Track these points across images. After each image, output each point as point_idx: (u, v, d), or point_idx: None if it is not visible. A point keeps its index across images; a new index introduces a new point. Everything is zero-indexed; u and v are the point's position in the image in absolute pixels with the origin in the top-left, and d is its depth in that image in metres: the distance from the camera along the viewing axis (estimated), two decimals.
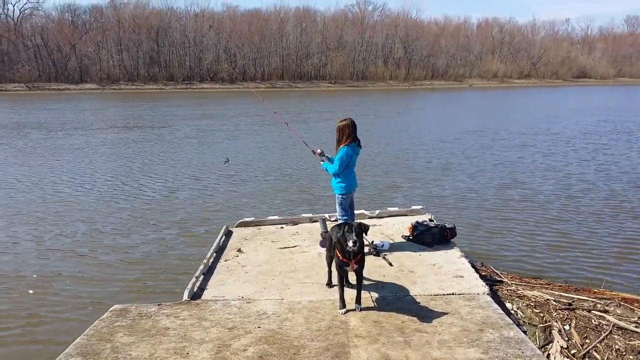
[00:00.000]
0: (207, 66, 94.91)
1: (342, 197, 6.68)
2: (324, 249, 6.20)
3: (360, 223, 5.28)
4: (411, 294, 5.52)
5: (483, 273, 6.95)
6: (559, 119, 31.77)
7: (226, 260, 6.73)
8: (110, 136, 25.78)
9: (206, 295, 5.67)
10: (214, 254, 6.91)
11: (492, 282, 6.52)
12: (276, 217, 8.69)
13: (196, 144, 22.81)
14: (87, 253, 9.01)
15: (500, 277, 6.91)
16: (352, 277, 5.53)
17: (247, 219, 8.55)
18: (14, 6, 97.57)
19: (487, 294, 5.48)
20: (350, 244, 4.98)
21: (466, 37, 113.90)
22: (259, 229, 8.13)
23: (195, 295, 5.64)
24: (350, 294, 5.31)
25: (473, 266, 6.64)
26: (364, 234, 5.27)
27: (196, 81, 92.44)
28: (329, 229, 6.42)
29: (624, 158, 17.46)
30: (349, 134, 6.46)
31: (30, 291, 7.40)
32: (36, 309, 6.83)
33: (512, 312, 5.66)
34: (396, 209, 8.86)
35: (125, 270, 8.11)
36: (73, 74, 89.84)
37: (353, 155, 6.52)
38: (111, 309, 5.32)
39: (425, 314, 5.00)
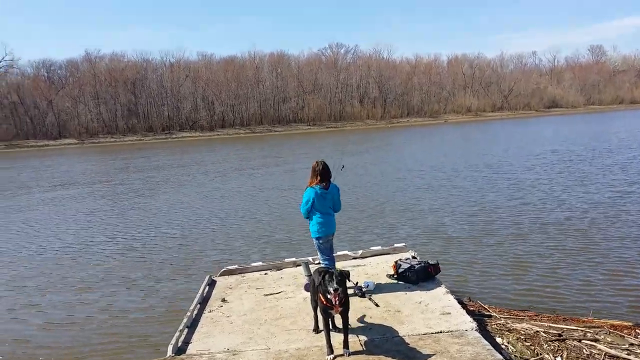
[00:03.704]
0: (186, 115, 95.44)
1: (317, 242, 6.67)
2: (309, 292, 6.14)
3: (341, 271, 5.27)
4: (399, 334, 5.45)
5: (471, 308, 6.92)
6: (532, 149, 32.36)
7: (210, 311, 6.61)
8: (86, 190, 25.54)
9: (191, 349, 5.54)
10: (198, 305, 6.79)
11: (480, 317, 6.49)
12: (260, 263, 8.61)
13: (173, 192, 22.71)
14: (63, 312, 8.77)
15: (489, 311, 6.88)
16: (338, 321, 5.46)
17: (230, 267, 8.45)
18: None
19: (476, 330, 5.44)
20: (331, 291, 4.96)
21: (438, 74, 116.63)
22: (242, 277, 8.03)
23: (180, 350, 5.50)
24: (337, 338, 5.23)
25: (460, 302, 6.62)
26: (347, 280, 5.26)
27: (175, 130, 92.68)
28: (312, 273, 6.38)
29: (601, 186, 17.75)
30: (315, 175, 6.51)
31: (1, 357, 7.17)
32: None
33: (503, 346, 5.61)
34: (379, 247, 8.85)
35: (107, 326, 7.90)
36: (51, 129, 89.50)
37: (319, 197, 6.50)
38: None
39: (414, 355, 4.93)
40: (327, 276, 5.10)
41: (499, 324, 6.24)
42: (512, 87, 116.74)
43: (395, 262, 7.35)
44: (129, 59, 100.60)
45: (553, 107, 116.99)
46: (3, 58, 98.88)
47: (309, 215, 6.60)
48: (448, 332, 5.42)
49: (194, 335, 5.88)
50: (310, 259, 8.11)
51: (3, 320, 8.39)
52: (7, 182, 31.95)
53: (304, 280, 7.08)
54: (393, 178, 21.70)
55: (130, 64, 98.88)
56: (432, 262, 7.22)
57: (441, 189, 18.82)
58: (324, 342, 5.14)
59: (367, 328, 5.68)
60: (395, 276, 7.19)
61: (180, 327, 5.99)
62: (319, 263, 7.02)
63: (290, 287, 7.30)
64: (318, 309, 5.41)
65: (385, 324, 5.74)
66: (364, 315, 6.02)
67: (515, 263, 9.74)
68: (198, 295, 7.08)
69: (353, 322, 5.69)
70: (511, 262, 9.79)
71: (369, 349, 5.16)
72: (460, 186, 19.09)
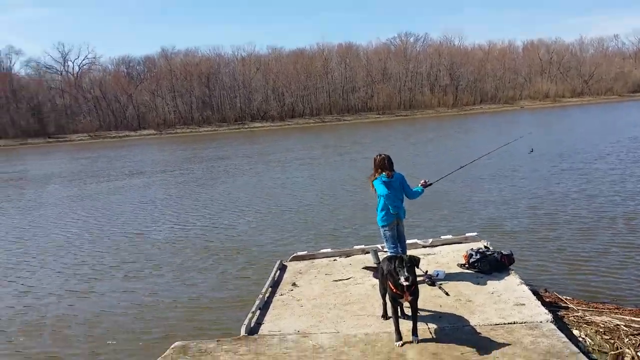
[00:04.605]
0: (257, 106, 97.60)
1: (382, 230, 6.67)
2: (377, 279, 6.15)
3: (411, 256, 5.23)
4: (470, 324, 5.35)
5: (547, 299, 6.69)
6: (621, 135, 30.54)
7: (281, 295, 6.77)
8: (167, 177, 26.70)
9: (263, 330, 5.71)
10: (270, 289, 6.97)
11: (556, 309, 6.26)
12: (329, 250, 8.70)
13: (248, 179, 23.31)
14: (143, 290, 9.30)
15: (566, 302, 6.62)
16: (407, 308, 5.45)
17: (300, 253, 8.60)
18: (73, 62, 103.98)
19: (551, 322, 5.24)
20: (402, 279, 4.93)
21: (512, 60, 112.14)
22: (312, 262, 8.16)
23: (253, 331, 5.68)
24: (406, 325, 5.21)
25: (535, 293, 6.40)
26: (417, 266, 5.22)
27: (247, 121, 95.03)
28: (381, 260, 6.38)
29: None
30: (378, 167, 6.57)
31: (88, 328, 7.70)
32: (96, 347, 7.06)
33: (580, 339, 5.39)
34: (450, 236, 8.68)
35: (183, 307, 8.31)
36: (131, 121, 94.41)
37: (381, 186, 6.47)
38: (172, 346, 5.43)
39: (486, 345, 4.82)
40: (397, 262, 5.07)
41: (577, 316, 5.99)
42: (593, 71, 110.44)
43: (467, 251, 7.21)
44: (202, 54, 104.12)
45: (638, 92, 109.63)
46: (86, 56, 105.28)
47: (390, 207, 6.57)
48: (522, 323, 5.27)
49: (265, 317, 6.05)
50: (379, 246, 8.11)
51: (98, 306, 8.94)
52: (79, 172, 33.97)
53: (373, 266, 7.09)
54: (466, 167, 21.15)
55: (204, 58, 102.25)
56: (506, 253, 7.01)
57: (516, 177, 18.18)
58: (393, 328, 5.14)
59: (436, 316, 5.62)
60: (467, 266, 7.05)
61: (253, 309, 6.18)
62: (387, 251, 7.00)
63: (359, 273, 7.34)
64: (387, 296, 5.41)
65: (455, 313, 5.65)
66: (434, 304, 5.95)
67: (596, 254, 9.28)
68: (269, 279, 7.27)
69: (422, 310, 5.64)
70: (591, 254, 9.34)
71: (438, 337, 5.11)
72: (532, 176, 18.36)
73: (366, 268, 7.31)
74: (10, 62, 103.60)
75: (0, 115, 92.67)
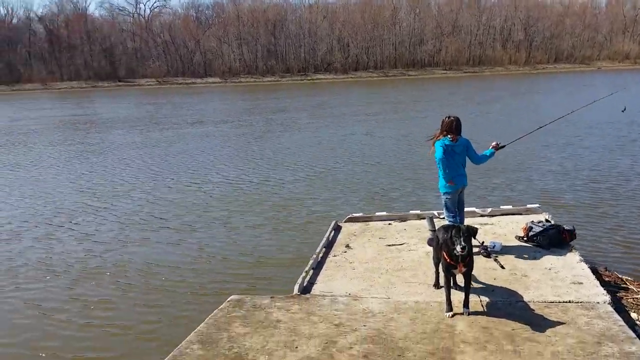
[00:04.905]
0: (321, 57, 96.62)
1: (444, 197, 6.59)
2: (432, 247, 6.14)
3: (468, 226, 5.16)
4: (524, 299, 5.29)
5: (606, 279, 6.50)
6: None
7: (335, 256, 6.90)
8: (226, 128, 27.26)
9: (315, 290, 5.86)
10: (324, 249, 7.10)
11: (615, 289, 6.08)
12: (384, 213, 8.72)
13: (304, 134, 23.47)
14: (197, 243, 9.61)
15: (626, 283, 6.42)
16: (460, 279, 5.44)
17: (355, 215, 8.67)
18: (144, 5, 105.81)
19: (609, 303, 5.10)
20: (458, 248, 4.89)
21: (594, 16, 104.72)
22: (367, 225, 8.22)
23: (305, 290, 5.85)
24: (458, 296, 5.21)
25: (595, 271, 6.23)
26: (474, 237, 5.17)
27: (311, 72, 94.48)
28: (436, 227, 6.35)
29: None
30: (444, 128, 6.43)
31: (145, 277, 8.07)
32: (155, 299, 7.36)
33: (638, 323, 5.24)
34: (510, 207, 8.48)
35: (238, 262, 8.57)
36: (198, 68, 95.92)
37: (446, 150, 6.34)
38: (228, 299, 5.69)
39: (538, 323, 4.77)
40: (454, 231, 5.03)
41: (637, 298, 5.81)
42: None
43: (527, 224, 7.04)
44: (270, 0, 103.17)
45: None
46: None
47: (448, 173, 6.47)
48: (578, 302, 5.16)
49: (318, 277, 6.21)
50: (435, 212, 8.05)
51: (153, 256, 9.41)
52: (143, 118, 35.08)
53: (428, 234, 7.07)
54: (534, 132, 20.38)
55: (272, 5, 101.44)
56: (568, 228, 6.79)
57: (590, 146, 17.37)
58: (444, 298, 5.15)
59: (489, 290, 5.58)
60: (525, 239, 6.90)
61: (307, 268, 6.34)
62: (444, 218, 6.96)
63: (413, 239, 7.34)
64: (440, 265, 5.41)
65: (509, 288, 5.59)
66: (488, 277, 5.90)
67: None
68: (324, 239, 7.40)
69: (475, 282, 5.62)
70: None
71: (489, 311, 5.09)
72: (603, 146, 17.48)
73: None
74: (86, 2, 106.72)
75: (74, 57, 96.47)
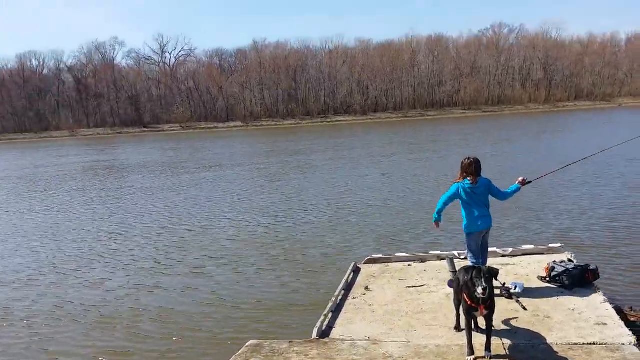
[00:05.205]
0: (341, 99, 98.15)
1: (467, 238, 6.54)
2: (452, 289, 6.07)
3: (489, 268, 5.11)
4: (547, 342, 5.15)
5: (632, 319, 6.32)
6: None
7: (354, 298, 6.83)
8: (242, 171, 27.57)
9: (334, 334, 5.80)
10: (342, 292, 7.04)
11: None
12: (404, 254, 8.65)
13: (321, 175, 23.65)
14: (213, 287, 9.59)
15: None
16: (481, 322, 5.34)
17: (374, 256, 8.62)
18: (170, 54, 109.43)
19: (634, 345, 4.94)
20: (479, 290, 4.82)
21: (613, 54, 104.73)
22: (386, 266, 8.15)
23: (324, 334, 5.78)
24: (479, 339, 5.11)
25: (619, 311, 6.06)
26: (495, 279, 5.10)
27: (330, 114, 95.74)
28: (457, 269, 6.28)
29: None
30: (463, 170, 6.42)
31: (160, 324, 8.04)
32: (169, 344, 7.34)
33: None
34: (531, 247, 8.36)
35: (255, 306, 8.52)
36: (220, 113, 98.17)
37: (467, 192, 6.35)
38: (247, 344, 5.65)
39: None
40: (474, 273, 4.97)
41: None
42: None
43: (549, 264, 6.92)
44: (292, 46, 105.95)
45: None
46: (182, 48, 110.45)
47: (442, 208, 6.52)
48: (602, 344, 5.01)
49: (337, 321, 6.14)
50: (455, 253, 7.97)
51: (167, 301, 9.44)
52: (163, 163, 35.70)
53: (448, 275, 6.99)
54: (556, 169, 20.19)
55: (293, 51, 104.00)
56: (592, 268, 6.65)
57: (609, 184, 17.11)
58: (465, 341, 5.05)
59: (512, 332, 5.46)
60: (548, 279, 6.76)
61: (325, 312, 6.28)
62: (465, 258, 6.88)
63: (433, 281, 7.25)
64: (461, 307, 5.34)
65: (532, 329, 5.46)
66: (510, 318, 5.78)
67: None
68: (343, 282, 7.34)
69: (497, 324, 5.50)
70: None
71: (512, 354, 4.97)
72: (621, 184, 17.22)
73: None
74: (114, 52, 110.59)
75: (101, 105, 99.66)
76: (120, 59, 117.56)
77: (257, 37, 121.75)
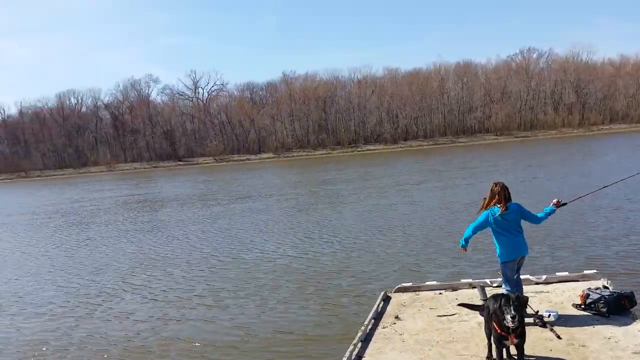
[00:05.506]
0: (371, 128, 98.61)
1: (503, 266, 6.45)
2: (483, 318, 5.98)
3: (518, 295, 5.06)
4: None
5: None
6: None
7: (384, 328, 6.79)
8: (271, 202, 27.79)
9: None
10: (372, 321, 7.00)
11: None
12: (434, 283, 8.56)
13: (350, 204, 23.61)
14: (243, 321, 9.54)
15: None
16: (514, 351, 5.25)
17: (405, 284, 8.55)
18: (203, 89, 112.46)
19: None
20: (508, 318, 4.77)
21: None
22: (417, 295, 8.08)
23: None
24: None
25: None
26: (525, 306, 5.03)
27: (361, 143, 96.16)
28: (488, 297, 6.20)
29: None
30: (492, 196, 6.35)
31: (189, 357, 8.08)
32: None
33: None
34: (566, 273, 8.17)
35: (285, 336, 8.54)
36: (252, 145, 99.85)
37: (497, 220, 6.28)
38: None
39: None
40: (503, 300, 4.92)
41: None
42: None
43: (584, 291, 6.76)
44: (320, 78, 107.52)
45: None
46: (215, 83, 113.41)
47: (470, 236, 6.46)
48: None
49: (367, 350, 6.10)
50: (487, 281, 7.86)
51: (195, 334, 9.54)
52: (194, 196, 36.37)
53: (480, 303, 6.88)
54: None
55: (322, 82, 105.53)
56: (627, 294, 6.49)
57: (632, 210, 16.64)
58: None
59: None
60: (583, 306, 6.61)
61: (355, 341, 6.26)
62: (498, 286, 6.78)
63: (464, 309, 7.15)
64: (492, 336, 5.27)
65: (566, 359, 5.34)
66: (544, 348, 5.65)
67: None
68: (373, 310, 7.31)
69: (530, 353, 5.39)
70: None
71: None
72: None
73: (462, 305, 6.82)
74: (149, 89, 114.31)
75: (137, 140, 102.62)
76: (155, 95, 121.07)
77: (287, 70, 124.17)
